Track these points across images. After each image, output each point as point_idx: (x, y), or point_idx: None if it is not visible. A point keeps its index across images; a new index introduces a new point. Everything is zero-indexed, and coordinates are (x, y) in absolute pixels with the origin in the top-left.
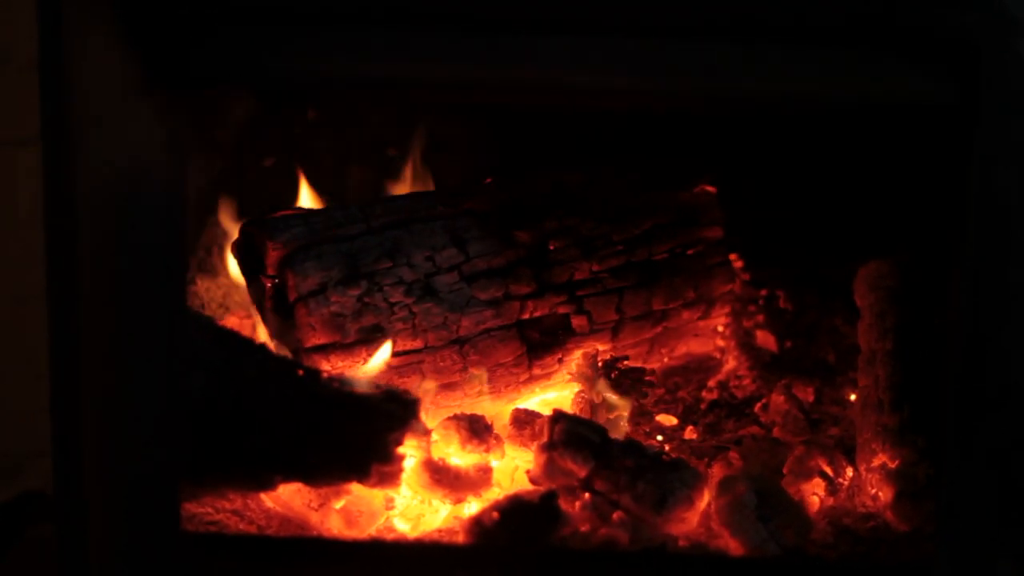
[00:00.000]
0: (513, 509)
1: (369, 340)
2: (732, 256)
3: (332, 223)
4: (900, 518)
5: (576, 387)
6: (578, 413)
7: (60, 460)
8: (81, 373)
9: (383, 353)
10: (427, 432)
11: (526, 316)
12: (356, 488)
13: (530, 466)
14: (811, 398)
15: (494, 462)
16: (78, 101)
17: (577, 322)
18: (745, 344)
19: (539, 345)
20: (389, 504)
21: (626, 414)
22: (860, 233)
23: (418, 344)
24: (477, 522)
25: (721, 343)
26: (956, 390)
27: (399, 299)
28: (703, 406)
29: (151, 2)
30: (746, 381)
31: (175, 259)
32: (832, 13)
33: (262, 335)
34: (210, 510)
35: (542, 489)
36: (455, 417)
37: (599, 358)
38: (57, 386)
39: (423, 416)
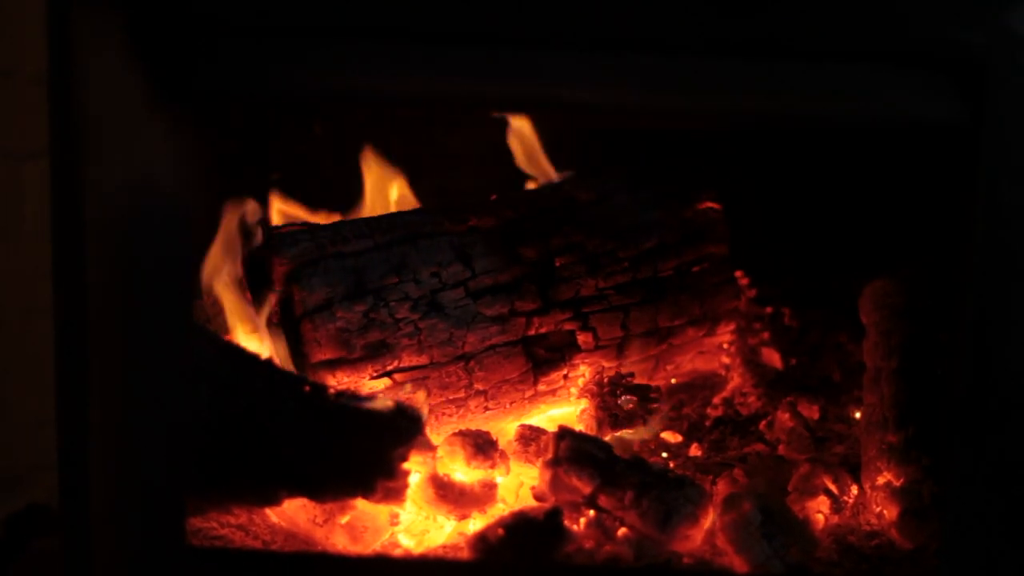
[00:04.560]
0: (518, 525)
1: (375, 356)
2: (737, 273)
3: (339, 238)
4: (905, 536)
5: (582, 403)
6: (584, 430)
7: (66, 473)
8: (87, 386)
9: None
10: (432, 448)
11: (532, 332)
12: (361, 504)
13: (535, 482)
14: (816, 416)
15: (499, 478)
16: (86, 115)
17: (583, 339)
18: (750, 361)
19: (545, 361)
20: (394, 520)
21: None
22: (866, 251)
23: (424, 360)
24: (482, 538)
25: (726, 360)
26: (962, 407)
27: (405, 315)
28: (708, 423)
29: (159, 16)
30: (751, 398)
31: (182, 272)
32: (838, 32)
33: (268, 350)
34: (215, 525)
35: (547, 506)
36: (460, 433)
37: (605, 375)
38: (63, 399)
39: (428, 432)
